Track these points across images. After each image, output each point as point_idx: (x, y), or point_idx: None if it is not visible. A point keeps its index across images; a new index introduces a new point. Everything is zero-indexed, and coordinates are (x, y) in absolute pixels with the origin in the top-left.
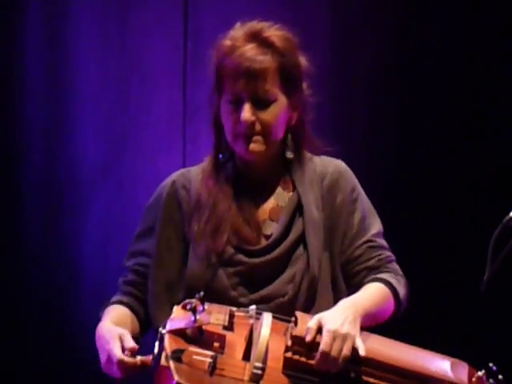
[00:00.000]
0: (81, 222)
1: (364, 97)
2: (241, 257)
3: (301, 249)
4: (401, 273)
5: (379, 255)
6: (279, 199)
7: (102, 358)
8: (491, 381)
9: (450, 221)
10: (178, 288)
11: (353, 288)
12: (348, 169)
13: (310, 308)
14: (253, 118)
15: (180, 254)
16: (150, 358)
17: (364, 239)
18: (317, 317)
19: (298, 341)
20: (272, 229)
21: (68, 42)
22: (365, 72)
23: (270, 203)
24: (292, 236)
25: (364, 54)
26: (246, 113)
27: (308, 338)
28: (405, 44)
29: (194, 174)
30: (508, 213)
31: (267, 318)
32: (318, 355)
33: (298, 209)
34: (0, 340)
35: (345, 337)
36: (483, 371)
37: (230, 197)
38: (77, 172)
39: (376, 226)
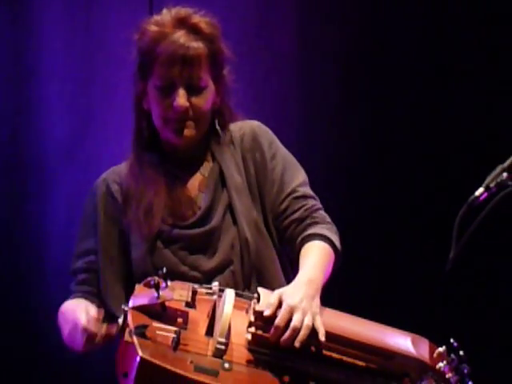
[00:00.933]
0: (46, 203)
1: (331, 73)
2: (178, 231)
3: (230, 216)
4: (329, 219)
5: (304, 205)
6: (205, 171)
7: (66, 329)
8: (452, 356)
9: (415, 200)
10: (129, 277)
11: (285, 241)
12: (263, 126)
13: (257, 271)
14: (187, 104)
15: (123, 245)
16: (114, 327)
17: (288, 191)
18: (277, 292)
19: (260, 316)
20: (202, 200)
21: (33, 22)
22: (330, 57)
23: (198, 177)
24: (220, 206)
25: (330, 38)
26: (181, 99)
27: (266, 313)
28: (372, 28)
29: (124, 168)
30: (473, 193)
31: (230, 294)
32: (273, 328)
33: (221, 177)
34: None
35: (304, 312)
36: (444, 347)
37: (157, 181)
38: (42, 154)
39: (299, 176)
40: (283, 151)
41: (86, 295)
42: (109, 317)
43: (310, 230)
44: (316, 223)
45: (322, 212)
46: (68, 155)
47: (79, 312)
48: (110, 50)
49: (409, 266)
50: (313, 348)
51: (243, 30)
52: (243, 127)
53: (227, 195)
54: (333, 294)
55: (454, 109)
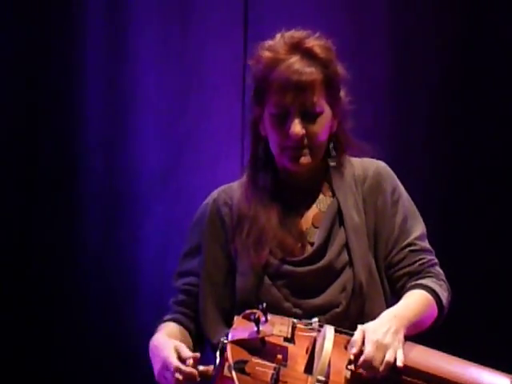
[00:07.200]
0: (139, 230)
1: (424, 101)
2: (287, 267)
3: (346, 257)
4: (443, 277)
5: (420, 260)
6: (321, 205)
7: (156, 366)
8: None
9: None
10: (228, 304)
11: (395, 293)
12: (389, 170)
13: (363, 315)
14: (303, 132)
15: (227, 271)
16: (210, 368)
17: (405, 243)
18: (360, 328)
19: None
20: (315, 236)
21: (129, 51)
22: (425, 74)
23: (313, 210)
24: (336, 244)
25: (424, 55)
26: (297, 127)
27: (352, 351)
28: (468, 45)
29: (235, 190)
30: None
31: (330, 331)
32: (359, 363)
33: (339, 215)
34: (60, 346)
35: (386, 347)
36: None
37: (270, 207)
38: (136, 180)
39: (419, 227)
40: (405, 199)
41: (183, 317)
42: (205, 341)
43: (419, 282)
44: (429, 277)
45: (438, 268)
46: (162, 181)
47: (169, 351)
48: (204, 77)
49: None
50: None
51: (338, 54)
52: (367, 167)
53: (344, 234)
54: None
55: None
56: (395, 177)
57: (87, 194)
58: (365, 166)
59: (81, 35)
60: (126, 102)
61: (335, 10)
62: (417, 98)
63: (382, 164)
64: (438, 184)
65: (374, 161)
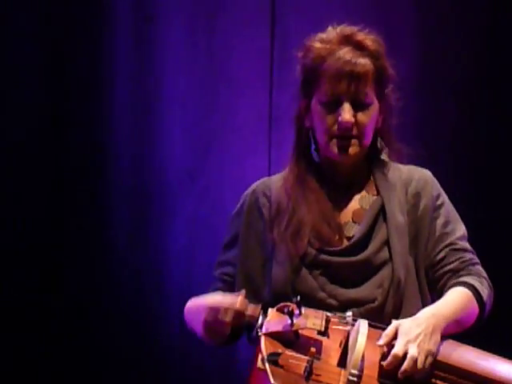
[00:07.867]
0: (168, 225)
1: (451, 100)
2: (324, 257)
3: (386, 254)
4: (485, 275)
5: (461, 258)
6: (363, 202)
7: (199, 319)
8: None
9: None
10: (263, 294)
11: (436, 292)
12: (434, 178)
13: (398, 313)
14: (352, 120)
15: (262, 261)
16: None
17: (446, 242)
18: (394, 324)
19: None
20: (354, 231)
21: (156, 47)
22: (452, 74)
23: (354, 205)
24: (376, 240)
25: (450, 55)
26: (347, 114)
27: (380, 342)
28: (495, 45)
29: (275, 182)
30: None
31: (364, 325)
32: (388, 360)
33: (382, 213)
34: (88, 341)
35: (418, 349)
36: None
37: (310, 200)
38: (164, 176)
39: (460, 230)
40: (449, 205)
41: None
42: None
43: (460, 279)
44: (469, 275)
45: (479, 267)
46: (190, 177)
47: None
48: (231, 73)
49: None
50: None
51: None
52: (413, 173)
53: (386, 231)
54: None
55: None
56: (439, 185)
57: (115, 192)
58: (411, 171)
59: (108, 30)
60: (153, 98)
61: (361, 9)
62: (442, 98)
63: (427, 172)
64: (464, 184)
65: (421, 168)
